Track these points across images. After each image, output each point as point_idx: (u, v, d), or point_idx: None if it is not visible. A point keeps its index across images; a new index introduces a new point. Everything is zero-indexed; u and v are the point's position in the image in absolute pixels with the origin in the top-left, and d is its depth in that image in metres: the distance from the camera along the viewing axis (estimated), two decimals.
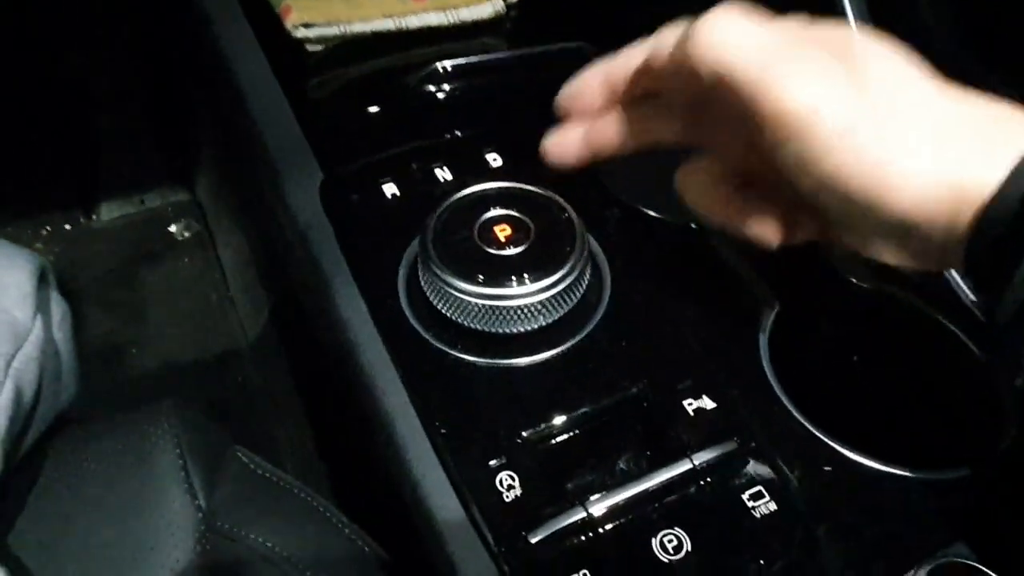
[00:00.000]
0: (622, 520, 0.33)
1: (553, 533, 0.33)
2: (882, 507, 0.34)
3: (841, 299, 0.43)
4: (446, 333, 0.40)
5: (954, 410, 0.39)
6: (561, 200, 0.41)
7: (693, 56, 0.29)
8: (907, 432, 0.38)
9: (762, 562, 0.33)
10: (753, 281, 0.43)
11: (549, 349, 0.39)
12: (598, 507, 0.33)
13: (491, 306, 0.38)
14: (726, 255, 0.44)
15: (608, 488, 0.34)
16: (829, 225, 0.30)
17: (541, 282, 0.38)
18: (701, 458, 0.35)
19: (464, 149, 0.49)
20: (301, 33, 0.55)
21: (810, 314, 0.42)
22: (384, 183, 0.47)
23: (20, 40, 0.86)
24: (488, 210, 0.41)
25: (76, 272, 0.95)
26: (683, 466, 0.34)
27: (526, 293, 0.38)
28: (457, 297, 0.38)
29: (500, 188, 0.42)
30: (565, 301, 0.39)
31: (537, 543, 0.33)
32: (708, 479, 0.35)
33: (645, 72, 0.34)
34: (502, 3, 0.58)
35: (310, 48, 0.55)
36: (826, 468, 0.36)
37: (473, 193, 0.42)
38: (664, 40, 0.32)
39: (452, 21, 0.57)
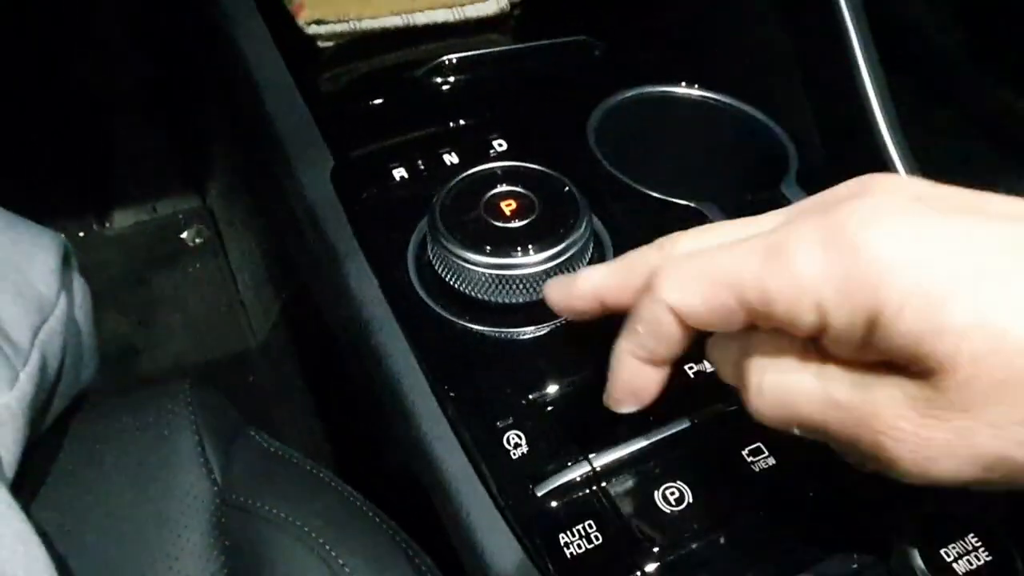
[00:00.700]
0: (625, 474, 0.34)
1: (559, 487, 0.34)
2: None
3: None
4: (455, 305, 0.41)
5: None
6: (564, 178, 0.43)
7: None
8: None
9: (761, 513, 0.34)
10: None
11: (553, 319, 0.41)
12: (602, 461, 0.34)
13: (498, 275, 0.39)
14: None
15: (611, 444, 0.35)
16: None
17: (545, 252, 0.39)
18: (701, 416, 0.36)
19: (470, 135, 0.51)
20: (313, 29, 0.57)
21: None
22: (393, 167, 0.48)
23: (36, 48, 0.89)
24: (494, 187, 0.42)
25: (89, 278, 0.96)
26: (683, 424, 0.36)
27: (531, 263, 0.39)
28: (465, 268, 0.39)
29: (506, 167, 0.44)
30: (569, 272, 0.40)
31: (543, 496, 0.34)
32: (708, 436, 0.36)
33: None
34: (507, 1, 0.60)
35: (321, 44, 0.57)
36: None
37: (480, 171, 0.43)
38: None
39: (458, 18, 0.59)
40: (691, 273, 0.26)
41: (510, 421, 0.36)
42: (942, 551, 0.31)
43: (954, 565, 0.31)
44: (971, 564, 0.31)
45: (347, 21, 0.57)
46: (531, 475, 0.34)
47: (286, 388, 0.88)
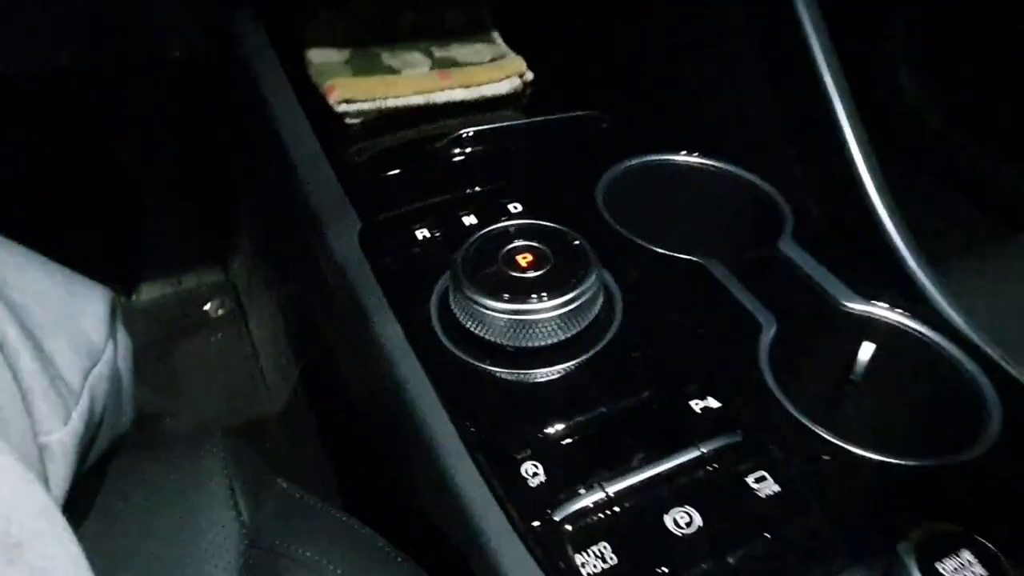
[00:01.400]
0: (637, 499, 0.37)
1: (574, 511, 0.36)
2: (874, 489, 0.38)
3: (832, 318, 0.47)
4: (475, 350, 0.44)
5: (935, 408, 0.43)
6: (575, 233, 0.47)
7: None
8: (893, 426, 0.41)
9: (767, 535, 0.36)
10: (753, 305, 0.47)
11: (567, 361, 0.43)
12: (615, 488, 0.37)
13: (515, 320, 0.42)
14: (728, 284, 0.49)
15: (624, 472, 0.37)
16: None
17: (559, 299, 0.43)
18: (709, 447, 0.38)
19: (487, 199, 0.55)
20: (343, 108, 0.62)
21: (805, 329, 0.46)
22: (416, 228, 0.52)
23: (70, 126, 0.95)
24: (511, 242, 0.46)
25: None
26: (692, 453, 0.38)
27: (546, 308, 0.42)
28: (485, 314, 0.43)
29: (521, 224, 0.47)
30: (581, 318, 0.44)
31: (560, 520, 0.36)
32: (715, 465, 0.38)
33: None
34: (519, 81, 0.66)
35: (350, 121, 0.62)
36: (824, 457, 0.39)
37: (498, 228, 0.47)
38: None
39: (475, 97, 0.64)
40: None
41: (528, 453, 0.39)
42: (938, 565, 0.33)
43: None
44: None
45: (374, 100, 0.62)
46: (548, 502, 0.37)
47: (304, 453, 0.90)
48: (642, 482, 0.37)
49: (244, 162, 0.88)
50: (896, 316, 0.47)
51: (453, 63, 0.66)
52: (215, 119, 0.93)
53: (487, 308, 0.43)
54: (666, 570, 0.34)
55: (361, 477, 0.76)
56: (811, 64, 0.54)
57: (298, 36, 0.66)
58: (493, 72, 0.65)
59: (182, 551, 0.46)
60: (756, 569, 0.35)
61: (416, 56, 0.66)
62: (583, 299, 0.43)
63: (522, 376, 0.43)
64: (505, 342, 0.43)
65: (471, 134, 0.60)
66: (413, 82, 0.63)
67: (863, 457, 0.39)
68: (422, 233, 0.52)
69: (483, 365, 0.43)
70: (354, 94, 0.62)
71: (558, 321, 0.43)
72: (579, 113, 0.62)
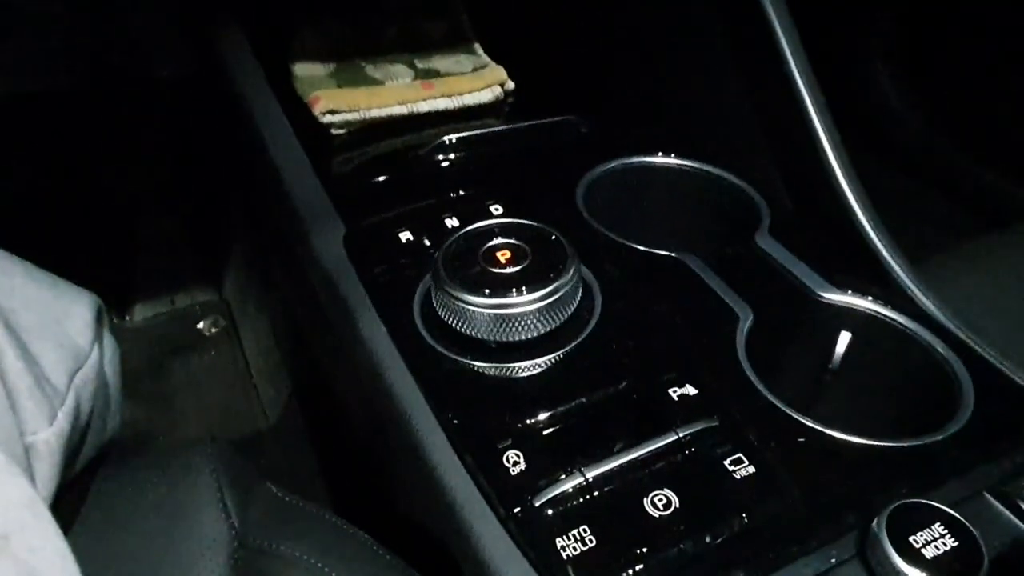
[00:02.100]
0: (616, 484, 0.37)
1: (554, 496, 0.37)
2: (849, 469, 0.38)
3: (808, 308, 0.48)
4: (457, 346, 0.45)
5: (909, 391, 0.43)
6: (553, 230, 0.47)
7: None
8: (869, 409, 0.42)
9: (743, 515, 0.36)
10: (729, 296, 0.48)
11: (548, 354, 0.44)
12: (594, 473, 0.37)
13: (496, 315, 0.43)
14: (705, 277, 0.50)
15: (603, 458, 0.38)
16: None
17: (538, 292, 0.43)
18: (686, 431, 0.39)
19: (469, 202, 0.56)
20: (328, 119, 0.63)
21: (781, 319, 0.47)
22: (400, 231, 0.53)
23: (61, 148, 0.96)
24: (491, 240, 0.47)
25: None
26: (669, 438, 0.39)
27: (526, 302, 0.43)
28: (467, 310, 0.43)
29: (501, 223, 0.48)
30: (560, 311, 0.44)
31: (540, 505, 0.36)
32: (692, 449, 0.39)
33: None
34: (500, 90, 0.67)
35: (335, 131, 0.64)
36: (799, 440, 0.40)
37: (478, 227, 0.48)
38: None
39: (457, 106, 0.66)
40: None
41: (509, 442, 0.39)
42: (911, 538, 0.33)
43: (923, 551, 0.33)
44: (938, 550, 0.33)
45: (358, 111, 0.63)
46: (529, 488, 0.37)
47: (296, 467, 0.90)
48: (621, 467, 0.38)
49: (234, 178, 0.89)
50: (870, 304, 0.48)
51: (436, 74, 0.68)
52: (205, 138, 0.95)
53: (468, 304, 0.43)
54: (645, 550, 0.35)
55: (352, 485, 0.77)
56: (782, 64, 0.55)
57: (283, 51, 0.68)
58: (475, 82, 0.67)
59: (171, 553, 0.47)
60: (733, 548, 0.35)
61: (399, 68, 0.68)
62: (562, 292, 0.44)
63: (504, 370, 0.44)
64: (487, 337, 0.44)
65: (454, 140, 0.61)
66: (397, 92, 0.65)
67: (838, 439, 0.39)
68: (406, 236, 0.53)
69: (466, 360, 0.44)
70: (338, 105, 0.63)
71: (538, 315, 0.43)
72: (558, 119, 0.64)
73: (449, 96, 0.65)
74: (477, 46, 0.72)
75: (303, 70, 0.66)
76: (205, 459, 0.51)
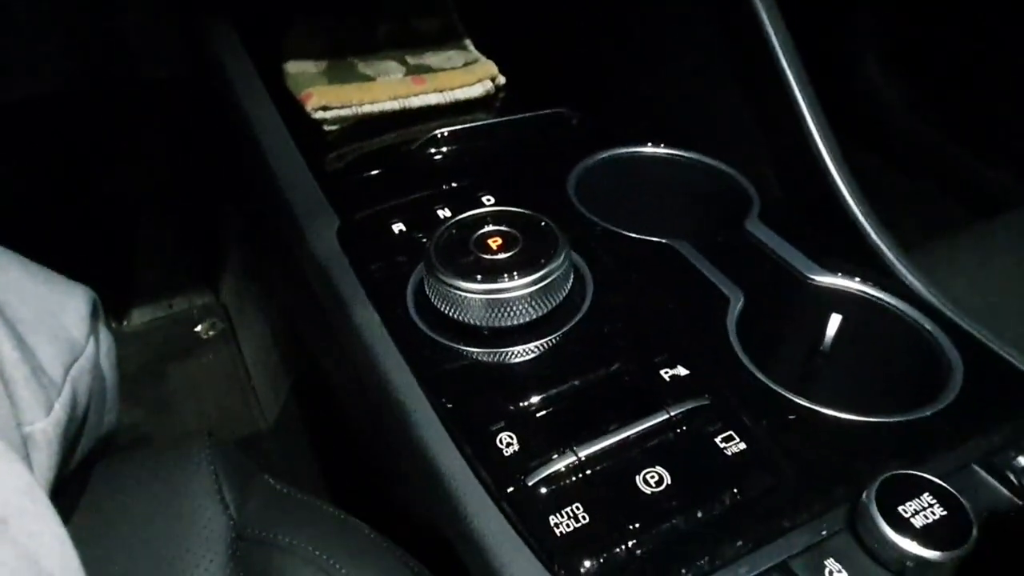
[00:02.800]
0: (609, 462, 0.38)
1: (547, 476, 0.37)
2: (838, 445, 0.39)
3: (798, 290, 0.48)
4: (450, 332, 0.45)
5: (898, 369, 0.44)
6: (543, 216, 0.48)
7: None
8: (858, 387, 0.42)
9: (735, 491, 0.36)
10: (720, 280, 0.48)
11: (540, 338, 0.45)
12: (586, 452, 0.38)
13: (488, 300, 0.43)
14: (696, 262, 0.50)
15: (595, 437, 0.38)
16: None
17: (530, 277, 0.44)
18: (677, 410, 0.39)
19: (462, 193, 0.56)
20: (320, 115, 0.63)
21: (772, 301, 0.47)
22: (393, 223, 0.54)
23: (56, 153, 0.96)
24: (482, 227, 0.47)
25: None
26: (661, 416, 0.39)
27: (517, 287, 0.43)
28: (459, 296, 0.44)
29: (492, 211, 0.49)
30: (552, 296, 0.45)
31: (533, 484, 0.37)
32: (684, 427, 0.39)
33: None
34: (491, 84, 0.68)
35: (328, 127, 0.64)
36: (790, 417, 0.40)
37: (470, 216, 0.48)
38: None
39: (449, 100, 0.66)
40: None
41: (502, 424, 0.40)
42: (900, 508, 0.34)
43: (912, 520, 0.33)
44: (927, 519, 0.33)
45: (350, 106, 0.64)
46: (522, 468, 0.37)
47: (295, 465, 0.91)
48: (612, 445, 0.38)
49: (229, 179, 0.90)
50: (859, 286, 0.48)
51: (427, 69, 0.68)
52: (199, 140, 0.95)
53: (461, 290, 0.44)
54: (638, 526, 0.35)
55: (349, 478, 0.77)
56: (770, 52, 0.56)
57: (275, 49, 0.68)
58: (466, 76, 0.67)
59: (170, 545, 0.47)
60: (725, 522, 0.35)
61: (391, 64, 0.68)
62: (554, 277, 0.44)
63: (497, 355, 0.44)
64: (480, 323, 0.44)
65: (445, 134, 0.62)
66: (389, 88, 0.65)
67: (828, 416, 0.40)
68: (399, 227, 0.53)
69: (459, 346, 0.44)
70: (330, 101, 0.63)
71: (530, 299, 0.44)
72: (548, 111, 0.64)
73: (440, 91, 0.66)
74: (468, 41, 0.72)
75: (295, 67, 0.67)
76: (203, 452, 0.51)
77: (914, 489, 0.34)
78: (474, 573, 0.38)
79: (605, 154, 0.60)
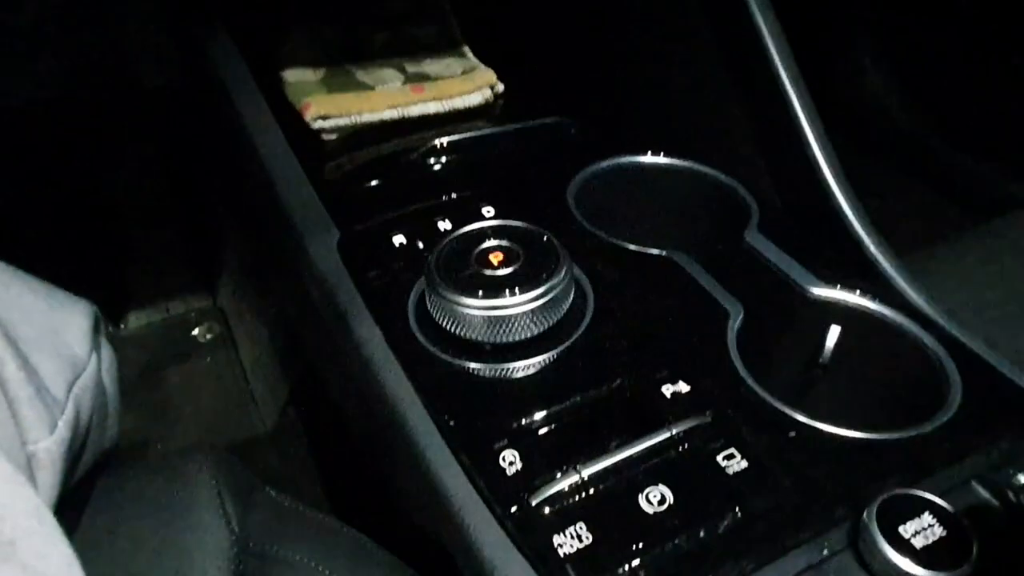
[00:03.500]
0: (611, 481, 0.38)
1: (551, 495, 0.37)
2: (840, 462, 0.39)
3: (797, 303, 0.49)
4: (451, 348, 0.45)
5: (898, 385, 0.44)
6: (544, 230, 0.48)
7: None
8: (859, 403, 0.42)
9: (737, 509, 0.37)
10: (719, 293, 0.49)
11: (541, 354, 0.45)
12: (589, 471, 0.38)
13: (490, 317, 0.44)
14: (696, 274, 0.50)
15: (598, 456, 0.38)
16: None
17: (531, 293, 0.44)
18: (679, 428, 0.40)
19: (461, 205, 0.56)
20: (319, 124, 0.63)
21: (772, 315, 0.48)
22: (393, 235, 0.54)
23: (54, 160, 0.96)
24: (483, 242, 0.47)
25: None
26: (663, 435, 0.39)
27: (519, 303, 0.44)
28: (460, 312, 0.44)
29: (493, 225, 0.49)
30: (553, 312, 0.45)
31: (537, 504, 0.37)
32: (686, 445, 0.39)
33: None
34: (490, 92, 0.68)
35: (326, 137, 0.64)
36: (791, 434, 0.40)
37: (470, 230, 0.48)
38: None
39: (447, 109, 0.66)
40: None
41: (504, 442, 0.40)
42: (900, 528, 0.34)
43: (913, 541, 0.34)
44: (927, 539, 0.34)
45: (349, 116, 0.64)
46: (525, 487, 0.38)
47: (294, 472, 0.91)
48: (615, 464, 0.38)
49: (226, 186, 0.90)
50: (858, 299, 0.48)
51: (426, 77, 0.68)
52: (197, 146, 0.95)
53: (462, 306, 0.44)
54: (641, 546, 0.35)
55: (350, 489, 0.77)
56: (768, 62, 0.56)
57: (273, 58, 0.68)
58: (465, 84, 0.67)
59: (172, 559, 0.47)
60: (727, 541, 0.36)
61: (389, 72, 0.68)
62: (555, 292, 0.44)
63: (499, 371, 0.44)
64: (481, 339, 0.44)
65: (445, 144, 0.62)
66: (387, 97, 0.65)
67: (829, 432, 0.40)
68: (399, 240, 0.53)
69: (460, 362, 0.45)
70: (329, 110, 0.63)
71: (531, 316, 0.44)
72: (548, 120, 0.64)
73: (439, 99, 0.66)
74: (466, 49, 0.72)
75: (293, 76, 0.67)
76: (205, 466, 0.51)
77: (915, 509, 0.35)
78: None
79: (604, 163, 0.60)
